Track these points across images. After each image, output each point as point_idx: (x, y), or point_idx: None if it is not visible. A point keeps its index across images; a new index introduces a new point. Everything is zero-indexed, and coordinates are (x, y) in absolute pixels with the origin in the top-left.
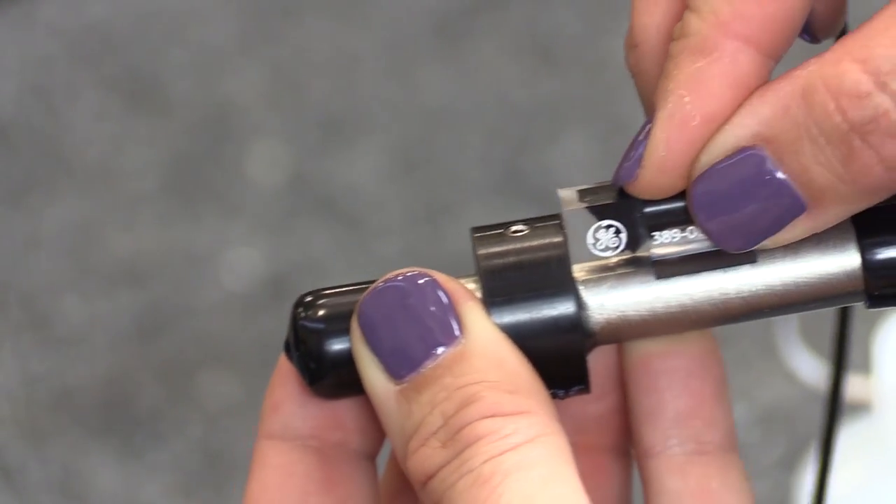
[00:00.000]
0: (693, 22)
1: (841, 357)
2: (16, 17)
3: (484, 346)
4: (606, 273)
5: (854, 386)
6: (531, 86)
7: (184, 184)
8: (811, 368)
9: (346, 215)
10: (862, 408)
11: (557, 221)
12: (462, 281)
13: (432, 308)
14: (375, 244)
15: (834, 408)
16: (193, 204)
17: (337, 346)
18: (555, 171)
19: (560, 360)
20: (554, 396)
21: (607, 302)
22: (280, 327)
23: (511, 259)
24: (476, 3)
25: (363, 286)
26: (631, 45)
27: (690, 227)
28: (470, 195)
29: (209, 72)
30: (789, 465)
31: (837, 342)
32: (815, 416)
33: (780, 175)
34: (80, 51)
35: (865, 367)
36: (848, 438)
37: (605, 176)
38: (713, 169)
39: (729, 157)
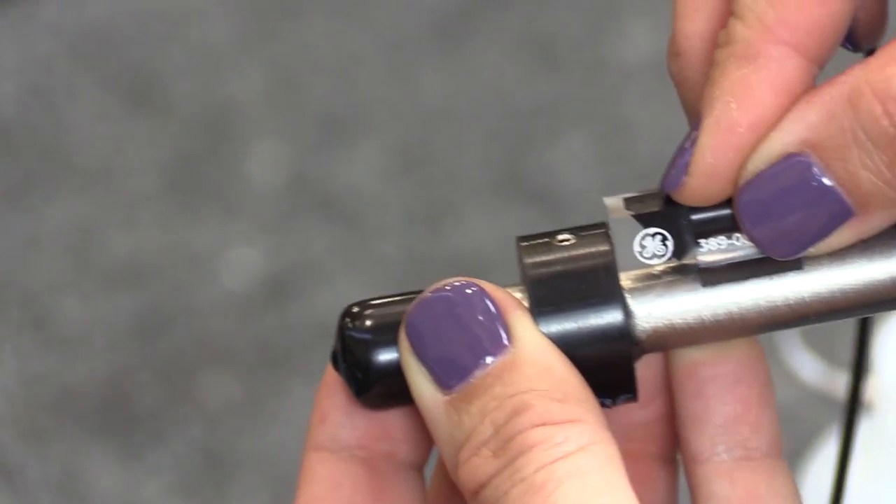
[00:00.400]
0: (738, 29)
1: (860, 363)
2: (16, 17)
3: (533, 354)
4: (653, 281)
5: None
6: (531, 86)
7: (184, 184)
8: (811, 368)
9: (346, 215)
10: (863, 408)
11: (604, 230)
12: (509, 290)
13: (480, 317)
14: (375, 244)
15: (852, 413)
16: (193, 204)
17: (384, 356)
18: (555, 171)
19: (608, 368)
20: (601, 405)
21: (654, 310)
22: (280, 327)
23: (558, 268)
24: (476, 3)
25: (410, 296)
26: (674, 53)
27: (737, 234)
28: (470, 195)
29: (209, 72)
30: (789, 464)
31: (857, 349)
32: (815, 416)
33: (826, 181)
34: (80, 51)
35: (866, 367)
36: None
37: (604, 175)
38: (760, 176)
39: (776, 163)
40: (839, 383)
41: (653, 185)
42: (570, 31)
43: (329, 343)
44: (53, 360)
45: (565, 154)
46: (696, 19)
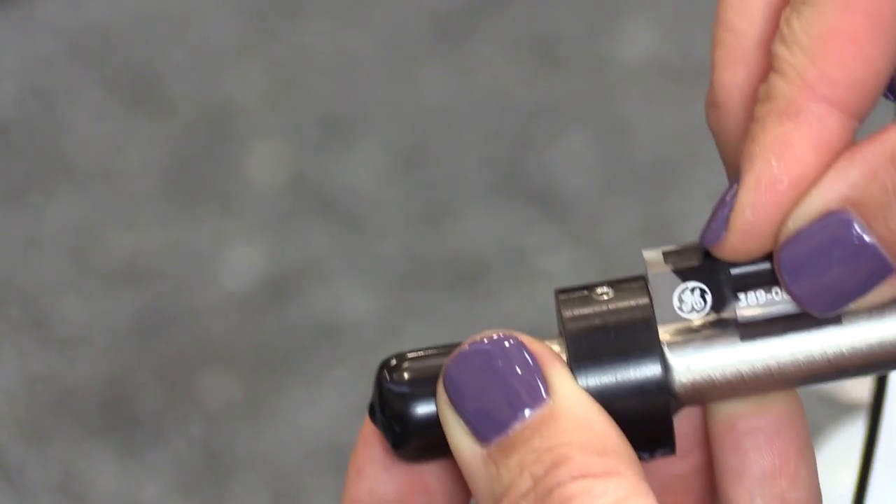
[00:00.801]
0: (779, 85)
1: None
2: (16, 17)
3: (571, 407)
4: (692, 335)
5: (854, 386)
6: (531, 86)
7: (184, 184)
8: None
9: (346, 215)
10: (862, 408)
11: (643, 283)
12: (547, 342)
13: (518, 370)
14: (375, 244)
15: (876, 414)
16: (193, 204)
17: (422, 409)
18: (555, 171)
19: (646, 422)
20: (639, 458)
21: (693, 364)
22: (280, 327)
23: (597, 321)
24: (476, 3)
25: (448, 349)
26: (713, 105)
27: (776, 289)
28: (470, 195)
29: (209, 72)
30: None
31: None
32: (815, 415)
33: (867, 239)
34: (80, 51)
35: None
36: (848, 438)
37: (604, 175)
38: (801, 233)
39: (817, 221)
40: (838, 383)
41: (652, 184)
42: (570, 31)
43: (328, 343)
44: (53, 360)
45: (565, 154)
46: (735, 71)
